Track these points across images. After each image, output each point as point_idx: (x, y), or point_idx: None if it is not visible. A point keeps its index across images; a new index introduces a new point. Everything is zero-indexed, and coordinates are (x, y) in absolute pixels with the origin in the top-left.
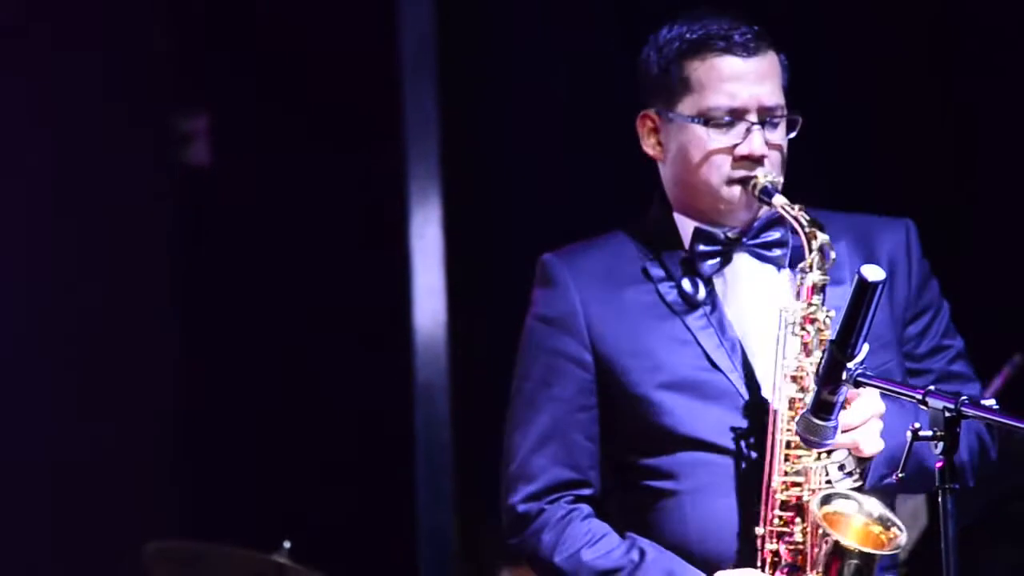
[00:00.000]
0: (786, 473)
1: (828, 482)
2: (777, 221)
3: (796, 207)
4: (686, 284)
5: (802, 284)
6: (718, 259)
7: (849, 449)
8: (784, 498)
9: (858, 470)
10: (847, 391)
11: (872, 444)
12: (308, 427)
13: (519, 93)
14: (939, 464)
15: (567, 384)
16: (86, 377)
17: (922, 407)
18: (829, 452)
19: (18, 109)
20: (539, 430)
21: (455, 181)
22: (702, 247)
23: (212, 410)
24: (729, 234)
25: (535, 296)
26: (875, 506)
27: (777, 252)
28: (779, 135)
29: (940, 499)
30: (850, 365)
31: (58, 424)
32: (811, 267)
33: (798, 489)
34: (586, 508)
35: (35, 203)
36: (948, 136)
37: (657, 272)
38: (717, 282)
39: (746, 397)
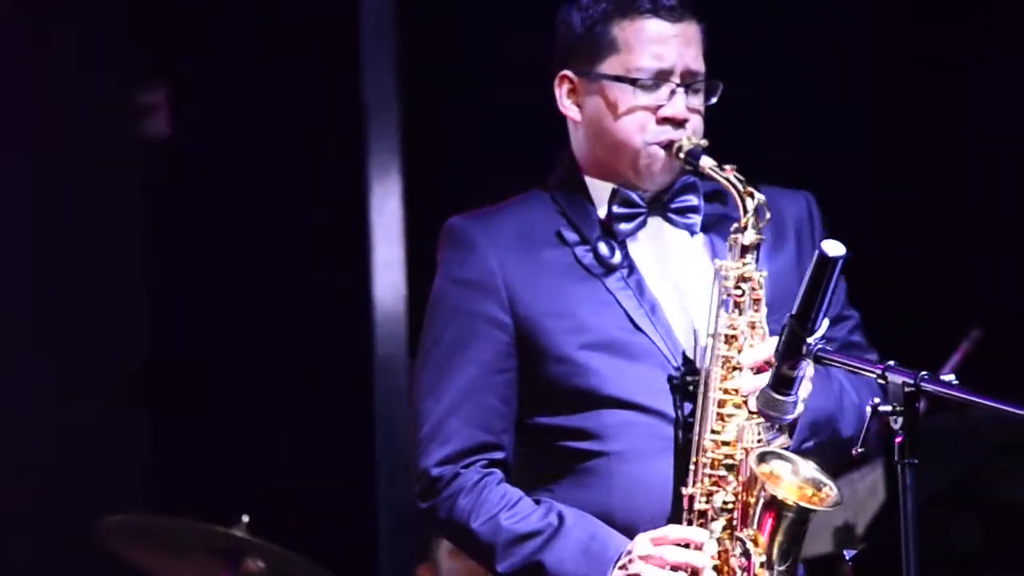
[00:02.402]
0: (716, 432)
1: (759, 442)
2: (691, 187)
3: (727, 168)
4: (602, 247)
5: (736, 243)
6: (634, 222)
7: None
8: (715, 457)
9: (787, 431)
10: (807, 365)
11: (801, 405)
12: (267, 400)
13: (480, 67)
14: (899, 439)
15: (484, 346)
16: (49, 352)
17: (880, 381)
18: (757, 413)
19: None
20: (453, 393)
21: (415, 155)
22: (619, 209)
23: (171, 384)
24: (646, 198)
25: (445, 258)
26: (809, 467)
27: (691, 218)
28: (699, 100)
29: (899, 473)
30: (810, 340)
31: (24, 400)
32: (746, 226)
33: (729, 448)
34: (499, 473)
35: None
36: (905, 113)
37: (571, 235)
38: (632, 246)
39: (669, 358)
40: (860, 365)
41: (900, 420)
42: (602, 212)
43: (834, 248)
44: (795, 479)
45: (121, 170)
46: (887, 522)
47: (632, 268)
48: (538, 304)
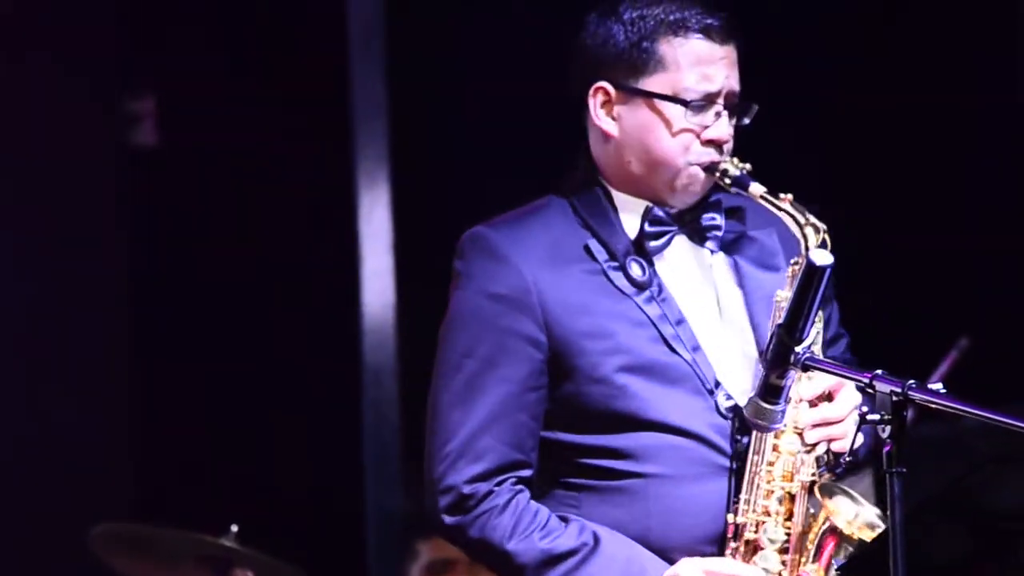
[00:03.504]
0: (771, 464)
1: (813, 475)
2: (715, 205)
3: (783, 197)
4: (634, 266)
5: (797, 275)
6: (663, 240)
7: (829, 441)
8: (770, 488)
9: (834, 463)
10: (795, 375)
11: (851, 438)
12: (256, 409)
13: (468, 76)
14: (887, 448)
15: (519, 364)
16: (38, 360)
17: (869, 391)
18: (813, 446)
19: None
20: (486, 410)
21: (403, 163)
22: (651, 227)
23: (160, 393)
24: (672, 215)
25: (474, 270)
26: (866, 503)
27: (714, 236)
28: (734, 122)
29: (888, 482)
30: (798, 349)
31: (9, 408)
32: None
33: (783, 480)
34: (527, 491)
35: None
36: (897, 121)
37: (600, 251)
38: (658, 263)
39: (705, 381)
40: (848, 373)
41: (888, 429)
42: (630, 228)
43: (821, 257)
44: (856, 515)
45: (108, 179)
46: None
47: (661, 288)
48: (574, 323)
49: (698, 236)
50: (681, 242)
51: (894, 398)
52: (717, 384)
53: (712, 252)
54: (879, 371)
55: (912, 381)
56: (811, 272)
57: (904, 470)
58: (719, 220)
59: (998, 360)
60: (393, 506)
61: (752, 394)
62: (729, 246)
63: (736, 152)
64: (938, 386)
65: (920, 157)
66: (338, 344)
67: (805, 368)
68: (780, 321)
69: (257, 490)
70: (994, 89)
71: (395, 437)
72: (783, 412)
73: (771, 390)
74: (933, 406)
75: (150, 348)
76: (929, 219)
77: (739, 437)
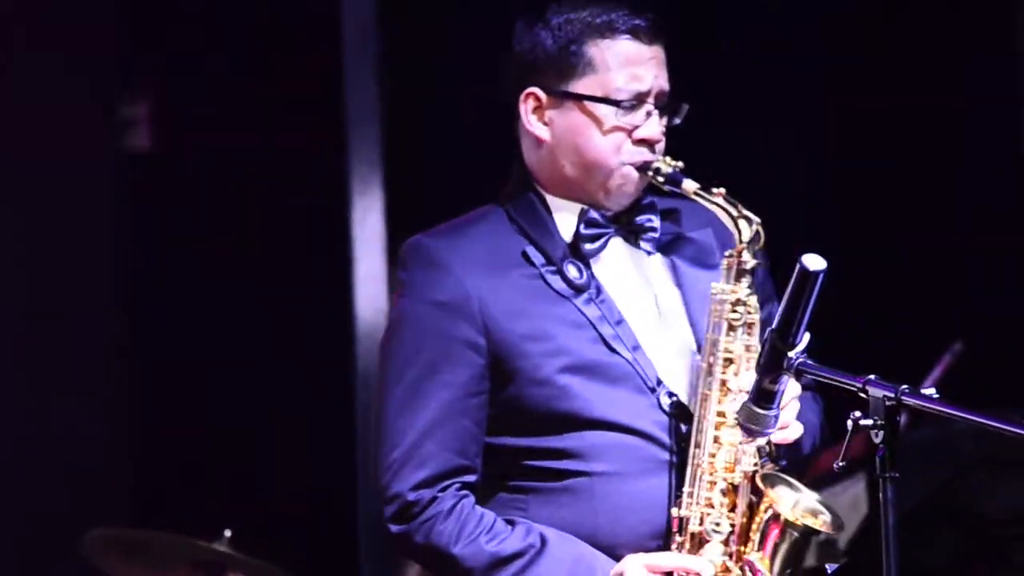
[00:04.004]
0: (713, 456)
1: (755, 465)
2: (650, 206)
3: (716, 191)
4: (570, 268)
5: (731, 267)
6: (599, 242)
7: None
8: (712, 479)
9: (780, 454)
10: (788, 380)
11: (796, 428)
12: (248, 414)
13: (463, 80)
14: (879, 453)
15: (460, 369)
16: (36, 362)
17: (861, 395)
18: (751, 435)
19: None
20: (429, 416)
21: (397, 168)
22: (586, 230)
23: (155, 398)
24: (608, 217)
25: (414, 278)
26: (807, 492)
27: (650, 237)
28: (664, 121)
29: (880, 488)
30: (791, 354)
31: (7, 409)
32: (743, 251)
33: (726, 471)
34: (472, 496)
35: None
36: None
37: (537, 256)
38: (595, 265)
39: (646, 379)
40: (839, 379)
41: (881, 434)
42: (565, 231)
43: (814, 262)
44: (797, 502)
45: (105, 181)
46: (869, 536)
47: (600, 289)
48: (514, 327)
49: (634, 237)
50: (617, 244)
51: (887, 403)
52: (659, 382)
53: (649, 253)
54: (872, 376)
55: (905, 386)
56: (804, 277)
57: (897, 475)
58: (655, 221)
59: (991, 364)
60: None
61: (745, 399)
62: (666, 247)
63: (738, 152)
64: (931, 391)
65: (914, 158)
66: (331, 348)
67: (799, 374)
68: (772, 326)
69: (250, 494)
70: (989, 90)
71: None
72: (776, 417)
73: (764, 395)
74: (926, 411)
75: (146, 350)
76: (924, 221)
77: (681, 432)
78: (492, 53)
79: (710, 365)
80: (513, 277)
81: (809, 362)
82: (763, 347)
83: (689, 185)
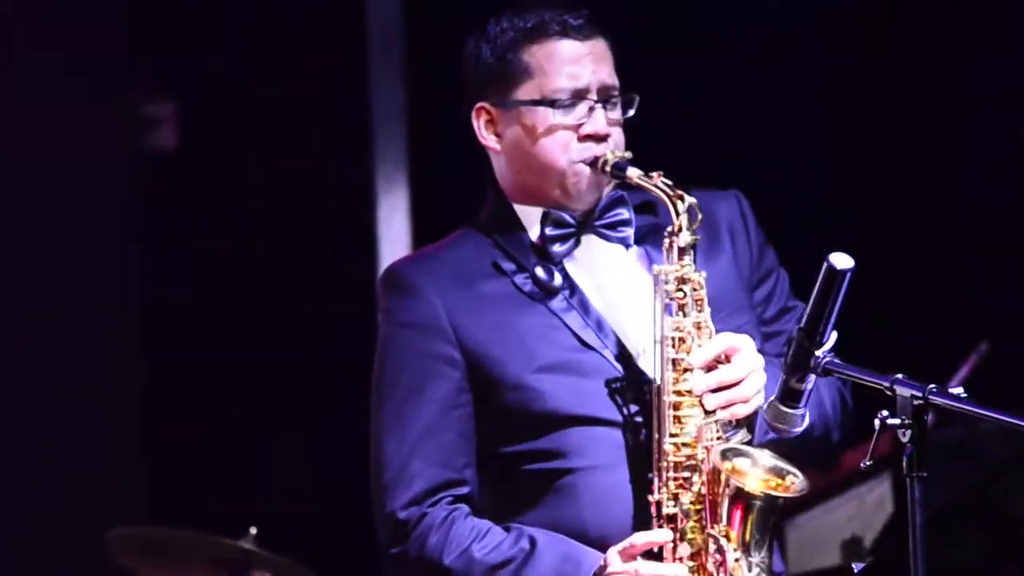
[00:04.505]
0: (675, 435)
1: (719, 439)
2: (619, 201)
3: (654, 175)
4: (540, 271)
5: (672, 246)
6: (568, 242)
7: (729, 406)
8: (677, 460)
9: (745, 425)
10: (815, 379)
11: (756, 398)
12: (275, 413)
13: None
14: (907, 452)
15: (439, 385)
16: (53, 363)
17: (889, 395)
18: (713, 412)
19: None
20: (413, 435)
21: (422, 168)
22: (551, 231)
23: (178, 396)
24: (577, 216)
25: (390, 304)
26: (768, 458)
27: (624, 231)
28: (618, 114)
29: (908, 487)
30: (818, 353)
31: (25, 412)
32: (680, 229)
33: (689, 449)
34: (465, 507)
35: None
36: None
37: (508, 264)
38: (569, 266)
39: (621, 371)
40: (866, 377)
41: (908, 433)
42: (534, 236)
43: (842, 261)
44: (759, 470)
45: (126, 182)
46: (895, 536)
47: (574, 288)
48: (486, 337)
49: (607, 233)
50: (591, 241)
51: (914, 402)
52: (635, 372)
53: (627, 247)
54: (899, 375)
55: (932, 385)
56: (831, 275)
57: (925, 475)
58: (626, 215)
59: (1018, 364)
60: None
61: (772, 398)
62: (643, 239)
63: (749, 154)
64: (958, 390)
65: (938, 157)
66: (356, 348)
67: (825, 372)
68: (800, 325)
69: (276, 493)
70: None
71: None
72: (803, 415)
73: (791, 394)
74: (953, 410)
75: (165, 350)
76: (950, 222)
77: (649, 419)
78: None
79: (662, 347)
80: (484, 288)
81: (836, 361)
82: (790, 346)
83: (632, 172)
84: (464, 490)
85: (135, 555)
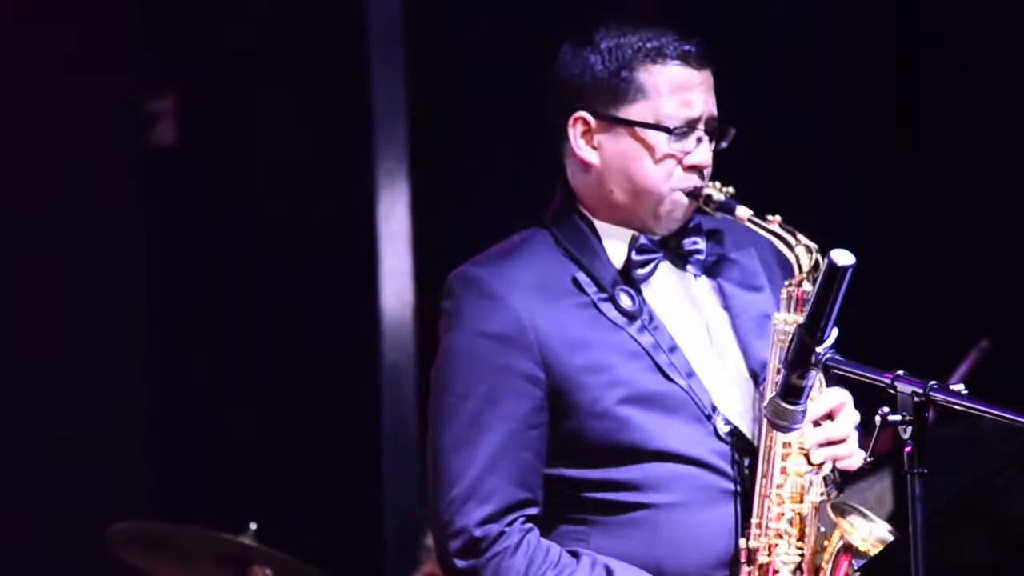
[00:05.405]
0: (780, 486)
1: (822, 495)
2: (696, 229)
3: (771, 219)
4: (623, 296)
5: (792, 296)
6: (649, 267)
7: (834, 460)
8: (780, 511)
9: (840, 482)
10: (816, 375)
11: (857, 456)
12: (275, 408)
13: (488, 76)
14: (908, 449)
15: (519, 402)
16: (58, 357)
17: (890, 391)
18: (820, 465)
19: None
20: (490, 450)
21: (423, 164)
22: (638, 256)
23: (180, 392)
24: (656, 242)
25: (465, 311)
26: (882, 527)
27: (698, 260)
28: (712, 147)
29: (908, 483)
30: (819, 349)
31: (29, 406)
32: (802, 280)
33: (793, 502)
34: (537, 529)
35: (2, 185)
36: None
37: (588, 282)
38: (645, 291)
39: (701, 407)
40: (868, 374)
41: (909, 430)
42: (615, 257)
43: (843, 257)
44: (870, 532)
45: (127, 177)
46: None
47: (652, 316)
48: (572, 359)
49: (681, 261)
50: (665, 268)
51: (915, 399)
52: (714, 409)
53: (696, 276)
54: (900, 372)
55: (934, 382)
56: (832, 272)
57: (925, 471)
58: (701, 244)
59: (1019, 361)
60: (411, 506)
61: (772, 394)
62: (711, 269)
63: (738, 152)
64: (959, 387)
65: (937, 155)
66: (357, 344)
67: (826, 369)
68: (800, 322)
69: (276, 488)
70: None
71: (413, 437)
72: (804, 412)
73: (792, 390)
74: (954, 407)
75: (167, 346)
76: (950, 218)
77: (741, 460)
78: (516, 52)
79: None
80: (565, 305)
81: (837, 357)
82: (791, 342)
83: (742, 212)
84: (535, 510)
85: (136, 550)
